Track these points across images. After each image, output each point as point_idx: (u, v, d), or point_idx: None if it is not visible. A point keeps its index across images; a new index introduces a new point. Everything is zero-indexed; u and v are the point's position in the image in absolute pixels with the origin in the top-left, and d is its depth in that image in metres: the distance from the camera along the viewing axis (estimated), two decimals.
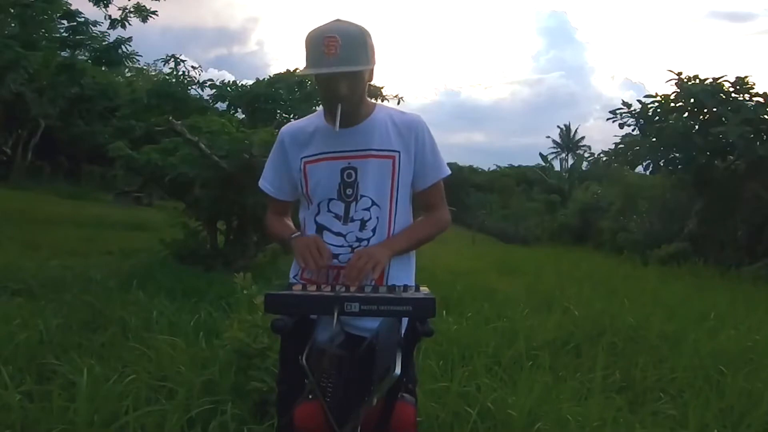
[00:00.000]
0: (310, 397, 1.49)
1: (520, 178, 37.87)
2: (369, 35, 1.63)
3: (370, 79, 1.70)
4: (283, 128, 1.82)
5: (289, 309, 1.46)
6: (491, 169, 43.02)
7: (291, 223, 1.88)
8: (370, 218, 1.70)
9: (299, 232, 1.78)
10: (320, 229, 1.73)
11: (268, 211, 1.91)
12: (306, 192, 1.74)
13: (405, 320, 1.58)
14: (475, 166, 42.41)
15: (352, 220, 1.70)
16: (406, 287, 1.59)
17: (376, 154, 1.70)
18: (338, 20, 1.61)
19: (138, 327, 3.77)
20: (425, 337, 1.45)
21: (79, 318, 3.97)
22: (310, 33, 1.60)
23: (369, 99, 1.76)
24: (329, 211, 1.72)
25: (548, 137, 53.99)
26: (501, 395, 2.95)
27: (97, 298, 4.47)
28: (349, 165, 1.70)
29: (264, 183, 1.84)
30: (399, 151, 1.72)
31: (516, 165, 43.35)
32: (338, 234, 1.71)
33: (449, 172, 1.82)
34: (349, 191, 1.70)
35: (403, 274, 1.75)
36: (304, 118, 1.84)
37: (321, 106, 1.80)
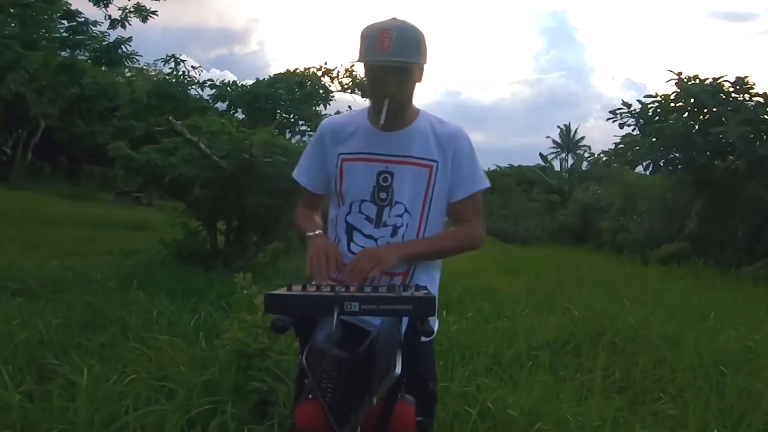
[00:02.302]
0: (310, 397, 1.49)
1: (520, 178, 37.81)
2: (423, 36, 1.64)
3: (419, 80, 1.69)
4: (325, 121, 1.83)
5: (289, 309, 1.45)
6: (491, 169, 42.91)
7: (319, 220, 1.86)
8: (402, 225, 1.70)
9: (320, 231, 1.76)
10: (350, 229, 1.73)
11: (299, 203, 1.90)
12: (339, 190, 1.74)
13: (405, 320, 1.58)
14: None
15: (385, 225, 1.70)
16: (406, 287, 1.59)
17: (415, 161, 1.70)
18: (395, 18, 1.64)
19: (138, 327, 3.77)
20: (425, 336, 1.45)
21: (79, 318, 3.97)
22: (366, 27, 1.62)
23: (415, 106, 1.75)
24: (360, 212, 1.72)
25: (548, 137, 53.88)
26: (501, 395, 2.95)
27: (97, 298, 4.47)
28: (387, 169, 1.69)
29: (299, 175, 1.84)
30: (437, 161, 1.71)
31: (516, 165, 43.31)
32: (369, 237, 1.71)
33: (488, 185, 1.78)
34: (383, 195, 1.70)
35: (426, 279, 1.72)
36: (346, 114, 1.86)
37: (367, 104, 1.79)
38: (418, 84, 1.69)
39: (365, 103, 1.80)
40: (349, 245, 1.73)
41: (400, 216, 1.70)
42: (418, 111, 1.76)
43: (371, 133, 1.70)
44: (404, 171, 1.69)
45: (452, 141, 1.72)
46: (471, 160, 1.74)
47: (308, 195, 1.86)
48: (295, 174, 1.85)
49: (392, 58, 1.56)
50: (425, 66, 1.67)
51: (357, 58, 1.62)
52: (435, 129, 1.73)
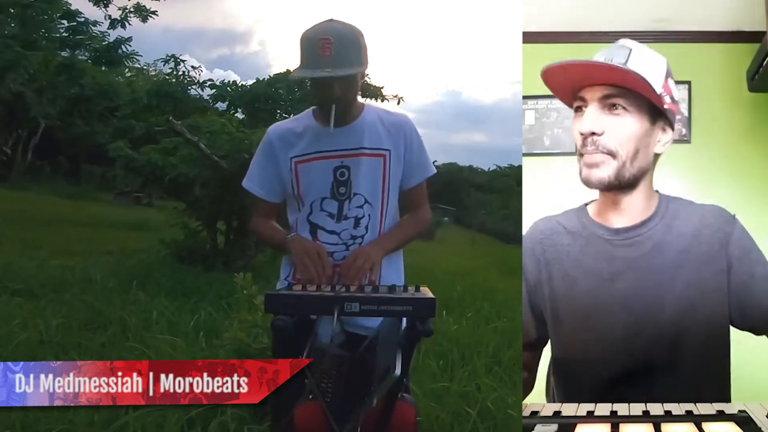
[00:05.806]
0: (310, 397, 1.49)
1: (520, 178, 37.77)
2: (362, 35, 1.65)
3: (362, 79, 1.72)
4: (270, 128, 1.81)
5: (289, 309, 1.45)
6: (491, 169, 42.90)
7: (279, 226, 1.86)
8: (363, 215, 1.72)
9: (295, 233, 1.76)
10: (314, 228, 1.73)
11: (254, 216, 1.89)
12: (297, 193, 1.74)
13: (404, 320, 1.58)
14: (475, 166, 42.21)
15: (346, 218, 1.72)
16: (405, 287, 1.60)
17: (368, 152, 1.72)
18: (332, 20, 1.64)
19: (138, 327, 3.77)
20: (425, 337, 1.45)
21: (79, 318, 3.97)
22: (304, 33, 1.62)
23: (359, 100, 1.77)
24: (322, 210, 1.73)
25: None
26: (501, 395, 2.95)
27: (97, 298, 4.48)
28: (342, 164, 1.71)
29: (251, 185, 1.83)
30: (389, 150, 1.74)
31: (516, 165, 43.30)
32: (332, 232, 1.72)
33: (434, 171, 1.84)
34: (342, 189, 1.71)
35: (393, 271, 1.78)
36: (291, 118, 1.85)
37: (312, 106, 1.79)
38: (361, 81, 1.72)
39: (364, 102, 1.81)
40: None
41: (361, 207, 1.72)
42: (362, 105, 1.78)
43: (321, 132, 1.70)
44: (359, 163, 1.71)
45: (401, 130, 1.75)
46: (419, 148, 1.79)
47: (264, 205, 1.84)
48: (245, 184, 1.83)
49: (336, 69, 1.58)
50: (367, 67, 1.68)
51: (299, 66, 1.63)
52: (383, 119, 1.76)
